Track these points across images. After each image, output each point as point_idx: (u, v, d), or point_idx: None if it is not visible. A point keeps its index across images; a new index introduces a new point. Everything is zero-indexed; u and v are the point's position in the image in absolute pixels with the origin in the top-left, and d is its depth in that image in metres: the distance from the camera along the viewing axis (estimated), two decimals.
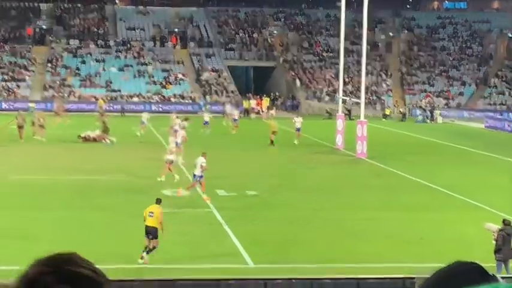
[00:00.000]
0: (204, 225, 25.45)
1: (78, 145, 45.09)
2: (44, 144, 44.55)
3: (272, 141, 46.69)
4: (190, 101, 74.27)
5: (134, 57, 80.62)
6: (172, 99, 74.10)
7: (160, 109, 70.67)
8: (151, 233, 20.98)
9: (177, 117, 49.20)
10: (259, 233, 24.40)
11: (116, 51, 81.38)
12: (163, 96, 74.56)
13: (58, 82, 74.95)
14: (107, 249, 21.62)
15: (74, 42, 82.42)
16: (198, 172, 29.85)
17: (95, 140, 46.72)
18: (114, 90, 74.71)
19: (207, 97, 74.77)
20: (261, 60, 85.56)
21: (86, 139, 46.73)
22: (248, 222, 25.79)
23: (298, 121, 49.57)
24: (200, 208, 28.03)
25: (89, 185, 31.91)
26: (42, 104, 68.25)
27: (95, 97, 71.54)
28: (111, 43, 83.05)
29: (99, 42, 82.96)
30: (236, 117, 56.95)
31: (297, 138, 48.82)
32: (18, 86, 73.66)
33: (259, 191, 31.63)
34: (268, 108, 70.30)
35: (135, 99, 73.24)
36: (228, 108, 63.20)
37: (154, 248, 20.89)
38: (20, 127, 45.64)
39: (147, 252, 20.82)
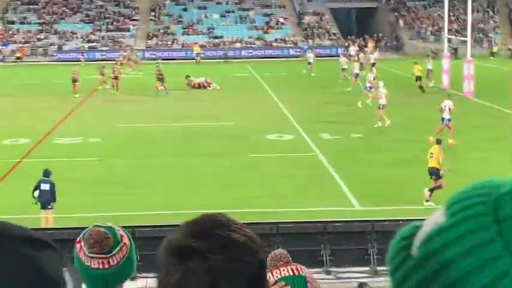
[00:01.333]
0: (309, 168, 25.40)
1: (183, 93, 45.57)
2: (144, 94, 45.15)
3: (421, 87, 43.88)
4: (292, 45, 73.91)
5: (235, 3, 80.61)
6: (274, 44, 73.90)
7: (263, 54, 70.71)
8: (434, 173, 21.37)
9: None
10: (365, 175, 24.20)
11: None
12: (265, 41, 74.44)
13: (161, 30, 75.77)
14: (224, 195, 21.88)
15: None
16: (446, 115, 29.91)
17: (200, 86, 47.12)
18: (216, 37, 75.04)
19: (309, 41, 74.20)
20: (363, 1, 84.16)
21: (192, 86, 47.15)
22: (354, 165, 25.60)
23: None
24: (305, 153, 27.97)
25: (196, 132, 32.25)
26: (145, 52, 69.38)
27: (197, 44, 72.10)
28: None
29: None
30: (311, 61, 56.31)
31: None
32: (123, 36, 74.86)
33: (364, 133, 31.32)
34: (372, 50, 69.21)
35: (237, 45, 73.39)
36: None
37: (440, 186, 21.11)
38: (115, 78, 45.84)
39: (431, 191, 21.10)
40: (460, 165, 25.25)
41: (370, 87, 38.44)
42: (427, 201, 21.06)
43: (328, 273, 16.08)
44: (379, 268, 16.27)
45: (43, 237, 1.41)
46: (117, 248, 3.36)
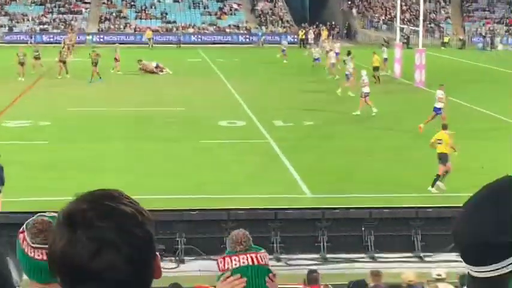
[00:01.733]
0: (261, 155, 25.43)
1: (135, 77, 45.26)
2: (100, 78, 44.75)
3: (378, 78, 42.85)
4: (245, 32, 73.79)
5: None
6: (228, 30, 73.71)
7: (215, 39, 70.54)
8: (442, 158, 21.44)
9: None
10: (316, 163, 24.31)
11: None
12: (219, 27, 74.21)
13: (114, 14, 75.05)
14: (175, 180, 21.80)
15: None
16: (438, 105, 29.92)
17: (152, 71, 46.84)
18: (169, 22, 74.58)
19: (263, 28, 74.14)
20: None
21: (144, 70, 46.88)
22: (305, 152, 25.69)
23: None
24: (257, 139, 27.99)
25: (148, 117, 32.06)
26: (97, 36, 68.68)
27: (150, 28, 71.59)
28: None
29: None
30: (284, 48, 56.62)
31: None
32: (75, 19, 73.98)
33: (316, 121, 31.44)
34: (326, 38, 69.44)
35: (190, 30, 73.04)
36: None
37: (447, 172, 21.34)
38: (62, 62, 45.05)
39: (435, 180, 21.25)
40: (407, 154, 25.53)
41: (349, 75, 38.53)
42: (432, 186, 21.32)
43: (278, 260, 16.14)
44: (328, 255, 16.39)
45: None
46: None
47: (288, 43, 62.48)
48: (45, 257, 3.23)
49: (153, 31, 69.49)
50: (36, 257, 3.20)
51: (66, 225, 1.76)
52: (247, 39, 71.66)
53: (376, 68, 43.47)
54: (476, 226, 1.69)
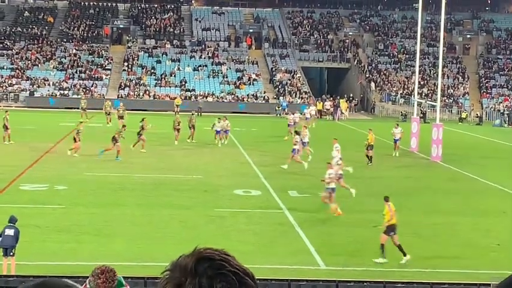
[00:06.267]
0: (275, 225, 25.37)
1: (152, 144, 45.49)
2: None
3: (370, 157, 39.72)
4: (264, 101, 74.36)
5: (209, 57, 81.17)
6: (246, 100, 74.31)
7: (234, 109, 71.03)
8: (393, 230, 21.45)
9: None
10: (331, 235, 24.21)
11: (191, 51, 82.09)
12: (237, 96, 74.84)
13: (134, 81, 75.95)
14: (188, 248, 21.73)
15: (150, 42, 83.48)
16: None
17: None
18: (188, 90, 75.32)
19: (281, 98, 74.71)
20: (335, 62, 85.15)
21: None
22: (320, 224, 25.61)
23: (397, 132, 43.89)
24: (272, 209, 27.95)
25: (165, 183, 32.13)
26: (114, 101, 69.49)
27: (168, 96, 72.22)
28: (187, 43, 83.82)
29: (175, 42, 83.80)
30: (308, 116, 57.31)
31: (395, 150, 43.88)
32: (95, 85, 74.88)
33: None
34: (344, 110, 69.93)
35: (209, 99, 73.68)
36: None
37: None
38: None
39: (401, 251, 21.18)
40: (422, 229, 25.38)
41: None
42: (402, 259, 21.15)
43: None
44: None
45: None
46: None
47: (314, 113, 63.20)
48: None
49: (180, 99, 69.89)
50: None
51: (192, 274, 1.87)
52: (269, 109, 72.11)
53: (370, 147, 39.76)
54: None
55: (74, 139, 38.86)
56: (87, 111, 59.73)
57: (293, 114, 54.16)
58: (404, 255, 21.10)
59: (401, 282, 17.60)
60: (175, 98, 70.50)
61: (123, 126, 41.39)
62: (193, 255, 1.90)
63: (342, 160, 31.71)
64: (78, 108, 60.99)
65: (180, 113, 63.18)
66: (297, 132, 40.60)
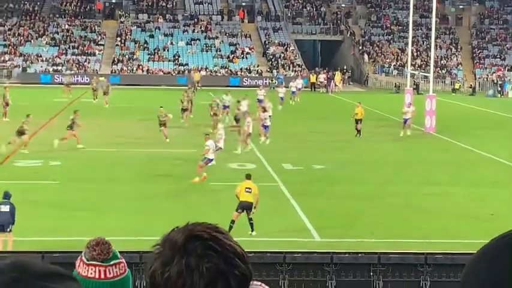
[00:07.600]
0: (270, 199, 25.43)
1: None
2: (113, 117, 44.96)
3: (359, 131, 39.51)
4: (257, 75, 74.24)
5: (202, 31, 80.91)
6: (239, 73, 74.17)
7: (227, 82, 70.93)
8: (247, 207, 21.03)
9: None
10: (325, 207, 24.31)
11: (184, 25, 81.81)
12: (230, 70, 74.70)
13: (127, 56, 75.72)
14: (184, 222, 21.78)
15: (143, 17, 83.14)
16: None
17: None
18: (181, 64, 75.16)
19: (274, 71, 74.60)
20: (328, 34, 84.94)
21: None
22: (314, 196, 25.71)
23: (409, 111, 41.69)
24: (266, 182, 28.01)
25: (158, 157, 32.14)
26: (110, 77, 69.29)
27: (162, 71, 72.02)
28: (179, 17, 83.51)
29: (168, 16, 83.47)
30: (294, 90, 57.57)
31: (403, 129, 41.48)
32: (88, 60, 74.64)
33: (326, 165, 31.48)
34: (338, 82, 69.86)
35: (203, 73, 73.53)
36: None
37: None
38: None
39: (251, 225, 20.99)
40: (416, 200, 25.51)
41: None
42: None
43: None
44: None
45: (63, 271, 1.53)
46: (116, 260, 3.36)
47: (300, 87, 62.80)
48: (97, 275, 3.30)
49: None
50: (89, 275, 3.27)
51: (181, 252, 1.82)
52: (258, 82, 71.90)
53: (359, 121, 39.52)
54: (473, 283, 1.65)
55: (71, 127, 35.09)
56: (71, 86, 59.56)
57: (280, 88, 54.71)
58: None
59: (396, 252, 17.71)
60: (195, 73, 69.79)
61: (75, 111, 36.45)
62: (184, 232, 1.86)
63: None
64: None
65: (168, 87, 62.86)
66: (264, 109, 39.14)
